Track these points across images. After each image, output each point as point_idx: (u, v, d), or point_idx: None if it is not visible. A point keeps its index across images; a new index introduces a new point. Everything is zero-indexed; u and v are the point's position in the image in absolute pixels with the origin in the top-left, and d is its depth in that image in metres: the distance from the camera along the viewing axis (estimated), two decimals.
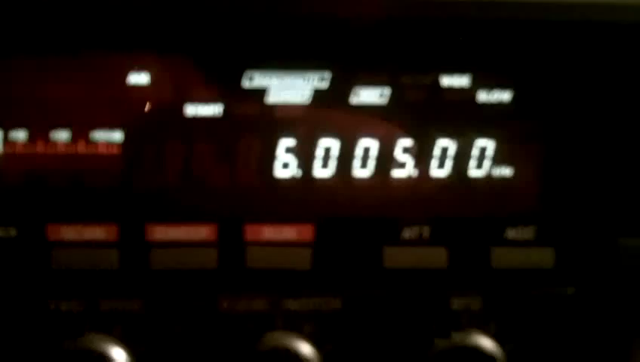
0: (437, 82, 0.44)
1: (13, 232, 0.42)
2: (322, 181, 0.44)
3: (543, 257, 0.45)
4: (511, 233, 0.45)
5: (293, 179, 0.44)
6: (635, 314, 0.45)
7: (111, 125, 0.42)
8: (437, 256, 0.44)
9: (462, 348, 0.43)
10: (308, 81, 0.43)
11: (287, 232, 0.44)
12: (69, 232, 0.42)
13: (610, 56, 0.44)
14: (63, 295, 0.43)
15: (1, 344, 0.43)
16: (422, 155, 0.44)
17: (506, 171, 0.45)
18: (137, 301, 0.43)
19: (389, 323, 0.45)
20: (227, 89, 0.43)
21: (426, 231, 0.44)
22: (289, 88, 0.43)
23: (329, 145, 0.44)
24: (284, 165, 0.44)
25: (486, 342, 0.43)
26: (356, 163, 0.44)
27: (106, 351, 0.41)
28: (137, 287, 0.43)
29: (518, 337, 0.45)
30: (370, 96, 0.44)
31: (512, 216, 0.45)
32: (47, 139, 0.42)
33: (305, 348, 0.43)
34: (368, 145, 0.44)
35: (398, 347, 0.45)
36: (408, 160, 0.44)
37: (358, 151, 0.44)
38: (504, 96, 0.44)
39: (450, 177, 0.45)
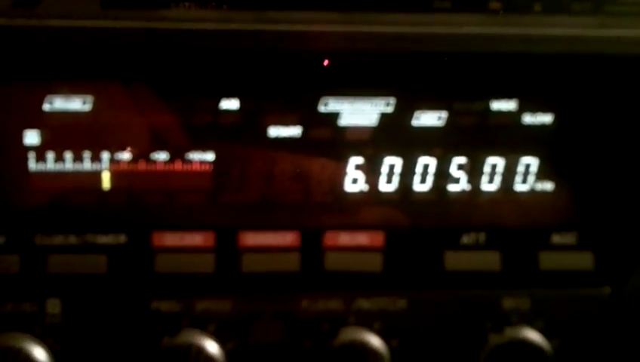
0: (487, 107, 0.49)
1: (123, 239, 0.47)
2: (387, 194, 0.50)
3: (584, 260, 0.50)
4: (555, 239, 0.50)
5: (360, 193, 0.49)
6: None
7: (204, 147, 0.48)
8: (491, 260, 0.49)
9: (513, 342, 0.48)
10: (375, 106, 0.48)
11: (361, 239, 0.49)
12: (172, 239, 0.48)
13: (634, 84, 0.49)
14: (164, 295, 0.48)
15: (106, 339, 0.47)
16: (474, 171, 0.50)
17: (547, 185, 0.50)
18: (229, 300, 0.48)
19: (448, 320, 0.50)
20: (305, 113, 0.48)
21: (482, 237, 0.50)
22: (359, 113, 0.48)
23: (393, 162, 0.49)
24: (354, 180, 0.49)
25: (535, 337, 0.48)
26: (416, 178, 0.50)
27: (202, 346, 0.46)
28: (229, 289, 0.48)
29: (563, 332, 0.50)
30: (429, 119, 0.49)
31: (556, 224, 0.50)
32: (148, 159, 0.48)
33: (375, 343, 0.48)
34: (427, 162, 0.50)
35: (457, 341, 0.50)
36: (462, 175, 0.50)
37: (418, 168, 0.50)
38: (546, 118, 0.49)
39: (499, 191, 0.50)
